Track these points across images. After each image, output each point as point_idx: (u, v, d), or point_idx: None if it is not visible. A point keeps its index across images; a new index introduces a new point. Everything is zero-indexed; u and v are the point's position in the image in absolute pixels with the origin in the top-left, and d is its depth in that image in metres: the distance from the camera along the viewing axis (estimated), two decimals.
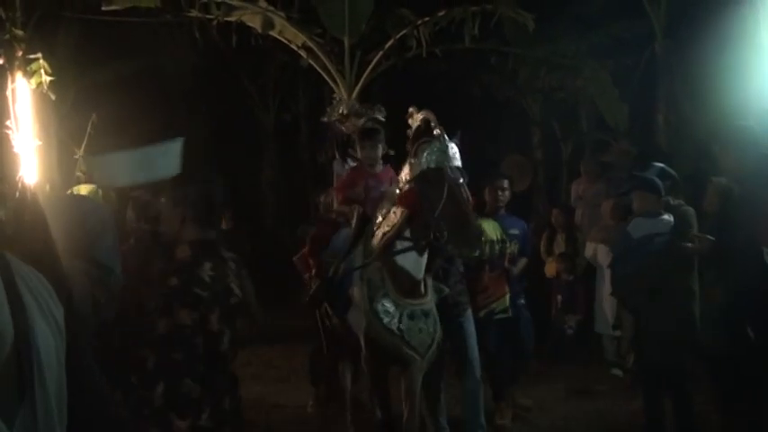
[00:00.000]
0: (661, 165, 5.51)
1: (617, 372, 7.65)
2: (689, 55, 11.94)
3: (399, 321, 4.71)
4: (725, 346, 5.49)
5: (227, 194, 4.82)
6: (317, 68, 10.42)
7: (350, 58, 10.11)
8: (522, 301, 6.70)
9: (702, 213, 5.62)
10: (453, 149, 4.59)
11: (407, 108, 5.15)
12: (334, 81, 10.27)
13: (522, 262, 6.68)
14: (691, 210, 5.31)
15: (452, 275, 5.52)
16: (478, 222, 4.62)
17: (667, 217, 5.16)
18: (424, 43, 9.83)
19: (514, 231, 6.44)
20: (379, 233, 4.83)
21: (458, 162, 4.58)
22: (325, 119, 6.38)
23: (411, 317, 4.73)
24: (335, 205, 5.91)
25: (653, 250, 5.08)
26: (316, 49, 10.09)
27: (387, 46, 10.08)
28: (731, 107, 7.71)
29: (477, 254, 4.93)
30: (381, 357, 4.90)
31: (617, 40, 12.80)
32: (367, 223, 5.11)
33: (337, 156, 6.15)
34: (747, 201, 5.26)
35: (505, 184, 6.49)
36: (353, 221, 5.30)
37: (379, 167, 5.49)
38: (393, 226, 4.71)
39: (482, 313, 6.02)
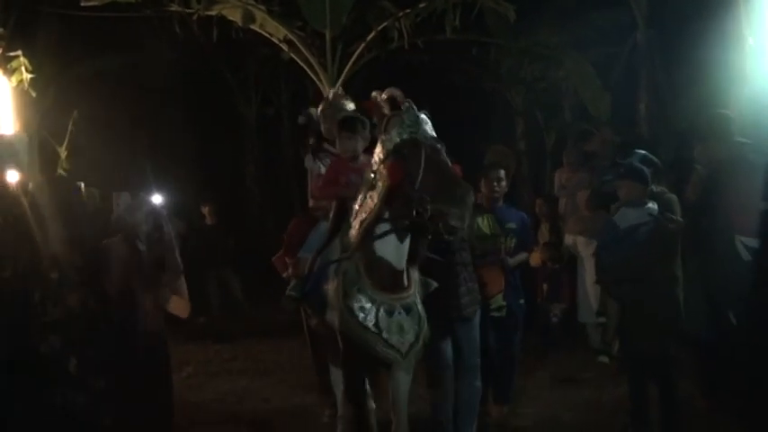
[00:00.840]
0: (643, 152, 5.53)
1: (603, 359, 7.67)
2: (670, 44, 12.01)
3: (376, 317, 4.40)
4: (707, 332, 5.56)
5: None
6: (299, 62, 10.39)
7: (331, 50, 10.09)
8: (522, 301, 6.11)
9: (685, 201, 5.66)
10: (425, 119, 4.33)
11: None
12: (316, 74, 10.24)
13: (521, 256, 6.12)
14: (674, 197, 5.35)
15: (459, 273, 5.19)
16: (468, 189, 4.10)
17: (652, 205, 5.19)
18: (405, 35, 9.82)
19: (511, 225, 5.95)
20: (356, 223, 4.52)
21: (431, 131, 4.31)
22: (303, 119, 6.10)
23: (389, 312, 4.42)
24: (311, 203, 5.64)
25: (639, 240, 5.11)
26: (297, 42, 10.07)
27: (368, 38, 10.07)
28: (712, 96, 7.76)
29: (466, 223, 4.21)
30: (358, 357, 4.58)
31: (599, 30, 12.84)
32: (345, 216, 4.81)
33: (309, 151, 5.85)
34: (721, 189, 5.33)
35: (501, 174, 5.99)
36: (331, 214, 5.04)
37: (361, 161, 5.14)
38: (370, 211, 4.39)
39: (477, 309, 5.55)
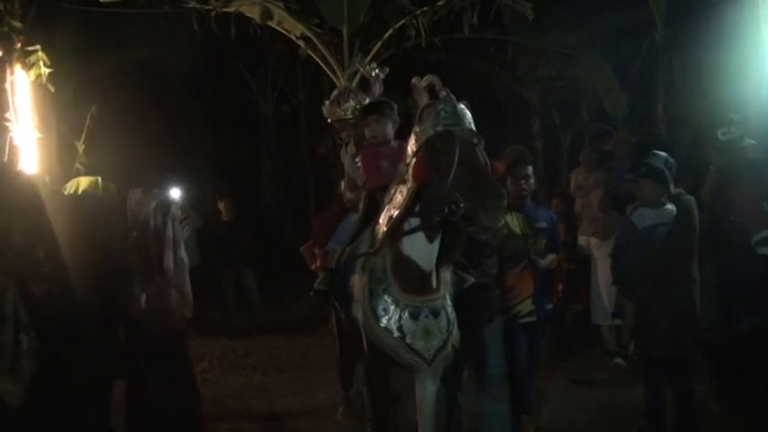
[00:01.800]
0: (664, 154, 5.50)
1: (619, 360, 7.66)
2: (688, 45, 11.96)
3: (399, 321, 4.15)
4: (723, 335, 5.53)
5: None
6: (316, 59, 10.40)
7: (349, 48, 10.08)
8: (550, 306, 5.79)
9: (701, 202, 5.63)
10: (464, 111, 4.01)
11: (405, 98, 4.74)
12: (333, 71, 10.24)
13: (550, 257, 5.72)
14: (692, 198, 5.31)
15: (483, 274, 4.92)
16: (500, 189, 3.83)
17: (670, 206, 5.16)
18: (423, 33, 9.80)
19: (542, 225, 5.58)
20: (384, 218, 4.26)
21: (471, 124, 3.99)
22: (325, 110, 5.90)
23: (414, 316, 4.16)
24: (348, 195, 5.41)
25: (656, 240, 5.08)
26: (314, 39, 10.07)
27: (386, 36, 10.06)
28: (729, 97, 7.72)
29: (499, 224, 3.91)
30: (380, 360, 4.32)
31: (617, 30, 12.82)
32: (375, 207, 4.58)
33: (343, 146, 5.67)
34: (729, 189, 5.35)
35: (529, 170, 5.64)
36: (360, 206, 4.87)
37: (393, 146, 4.91)
38: (399, 206, 4.11)
39: (506, 317, 5.33)
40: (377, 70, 5.64)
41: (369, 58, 9.81)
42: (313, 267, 5.45)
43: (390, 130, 4.94)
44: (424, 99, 4.31)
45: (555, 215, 6.18)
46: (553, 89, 14.49)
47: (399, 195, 4.15)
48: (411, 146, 4.12)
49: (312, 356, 8.91)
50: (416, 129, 4.11)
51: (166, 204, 5.24)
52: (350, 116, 5.64)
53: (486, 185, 3.78)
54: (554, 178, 14.68)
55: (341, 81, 10.13)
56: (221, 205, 11.10)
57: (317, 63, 10.48)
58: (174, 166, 11.00)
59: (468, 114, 4.02)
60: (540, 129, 15.29)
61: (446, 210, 3.81)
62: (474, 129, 3.97)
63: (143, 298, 4.98)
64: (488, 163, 3.96)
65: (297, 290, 12.66)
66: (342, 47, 10.13)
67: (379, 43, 10.05)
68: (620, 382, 7.03)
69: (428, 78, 4.32)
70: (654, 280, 5.04)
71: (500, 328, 5.19)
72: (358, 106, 5.55)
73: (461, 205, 3.75)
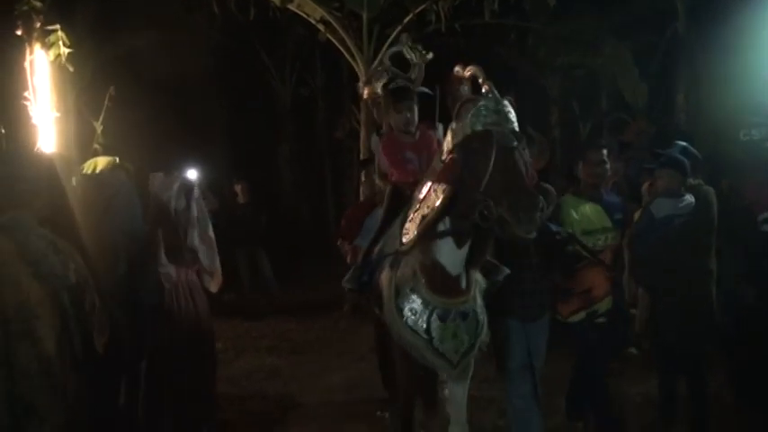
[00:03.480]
0: (684, 143, 5.45)
1: (632, 350, 7.62)
2: (711, 35, 11.83)
3: (428, 322, 3.97)
4: (738, 326, 5.51)
5: None
6: (335, 43, 10.38)
7: (368, 32, 10.07)
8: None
9: (721, 193, 5.59)
10: (506, 108, 3.69)
11: (426, 84, 4.72)
12: (352, 56, 10.23)
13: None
14: (711, 189, 5.26)
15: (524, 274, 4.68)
16: (536, 195, 3.52)
17: (689, 197, 5.12)
18: (443, 18, 9.76)
19: (619, 215, 5.05)
20: (417, 216, 3.99)
21: (513, 124, 3.67)
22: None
23: (443, 318, 3.97)
24: (378, 184, 5.13)
25: (674, 230, 5.05)
26: (334, 23, 10.06)
27: (405, 21, 10.02)
28: (751, 89, 7.65)
29: (532, 235, 3.55)
30: (408, 358, 4.14)
31: (639, 19, 12.68)
32: (400, 202, 4.41)
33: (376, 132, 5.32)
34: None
35: (604, 154, 5.08)
36: (385, 199, 4.66)
37: (415, 135, 4.75)
38: (433, 208, 3.84)
39: (581, 316, 4.95)
40: (422, 52, 5.21)
41: (388, 42, 9.79)
42: (349, 262, 5.34)
43: (415, 117, 4.77)
44: (464, 91, 4.11)
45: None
46: (573, 79, 14.40)
47: (434, 195, 3.87)
48: (447, 143, 3.88)
49: (326, 340, 8.94)
50: (454, 125, 3.83)
51: (189, 185, 5.29)
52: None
53: (521, 191, 3.49)
54: (572, 169, 14.60)
55: (360, 66, 10.11)
56: (238, 188, 11.13)
57: (336, 47, 10.46)
58: (191, 147, 11.03)
59: (512, 113, 3.72)
60: (558, 118, 15.21)
61: (477, 216, 3.62)
62: (516, 129, 3.67)
63: (173, 273, 5.04)
64: (527, 167, 3.71)
65: (312, 273, 12.75)
66: (361, 31, 10.12)
67: (399, 28, 10.01)
68: (634, 372, 6.98)
69: (471, 69, 4.10)
70: (669, 270, 5.00)
71: (544, 329, 4.92)
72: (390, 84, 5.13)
73: (494, 210, 3.53)
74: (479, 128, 3.63)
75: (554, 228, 4.63)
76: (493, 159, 3.52)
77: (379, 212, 4.77)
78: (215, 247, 5.37)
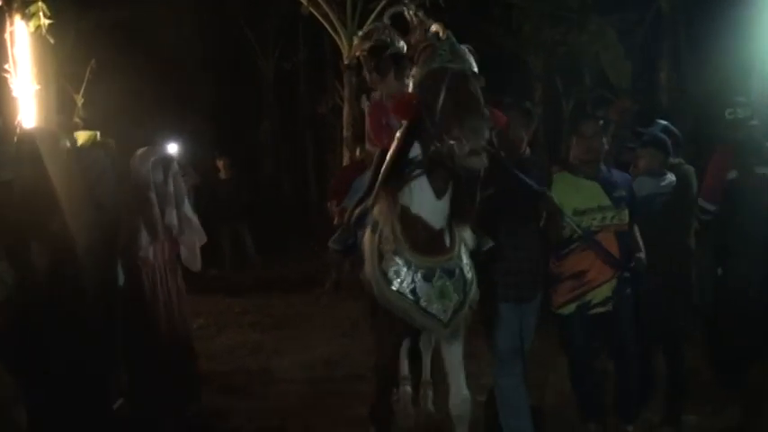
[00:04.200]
0: (665, 122, 5.46)
1: None
2: (694, 13, 11.86)
3: (412, 283, 3.86)
4: (720, 305, 5.56)
5: None
6: (318, 17, 10.31)
7: (351, 6, 10.00)
8: (630, 290, 4.75)
9: (702, 172, 5.62)
10: (464, 50, 3.67)
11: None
12: (335, 30, 10.17)
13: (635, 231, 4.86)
14: (691, 168, 5.29)
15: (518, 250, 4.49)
16: (485, 116, 3.43)
17: (670, 176, 5.14)
18: None
19: (621, 193, 4.67)
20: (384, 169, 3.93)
21: (470, 64, 3.63)
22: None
23: (427, 278, 3.87)
24: (368, 146, 5.04)
25: (655, 209, 5.08)
26: None
27: None
28: (734, 70, 7.68)
29: (481, 164, 3.42)
30: (393, 326, 4.05)
31: None
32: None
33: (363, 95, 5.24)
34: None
35: (598, 125, 4.81)
36: (374, 161, 4.50)
37: None
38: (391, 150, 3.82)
39: (571, 309, 4.68)
40: (422, 15, 4.86)
41: (372, 17, 9.73)
42: (335, 223, 5.06)
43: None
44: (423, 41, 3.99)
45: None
46: (556, 55, 14.39)
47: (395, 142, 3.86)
48: (408, 88, 3.84)
49: (308, 315, 8.96)
50: (413, 72, 3.82)
51: (167, 160, 5.25)
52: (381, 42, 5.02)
53: (467, 109, 3.41)
54: (555, 145, 14.64)
55: (343, 40, 10.05)
56: (220, 163, 11.10)
57: (319, 21, 10.39)
58: (173, 121, 10.96)
59: (470, 56, 3.68)
60: (542, 95, 15.22)
61: (435, 148, 3.55)
62: (475, 70, 3.61)
63: (150, 252, 5.01)
64: (481, 97, 3.54)
65: (294, 248, 12.76)
66: (344, 5, 10.04)
67: (383, 2, 9.93)
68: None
69: (434, 25, 3.95)
70: (650, 248, 5.04)
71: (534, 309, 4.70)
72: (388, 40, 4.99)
73: (445, 140, 3.44)
74: (435, 65, 3.61)
75: (534, 186, 4.40)
76: (445, 87, 3.48)
77: (368, 175, 4.62)
78: (193, 224, 5.34)
